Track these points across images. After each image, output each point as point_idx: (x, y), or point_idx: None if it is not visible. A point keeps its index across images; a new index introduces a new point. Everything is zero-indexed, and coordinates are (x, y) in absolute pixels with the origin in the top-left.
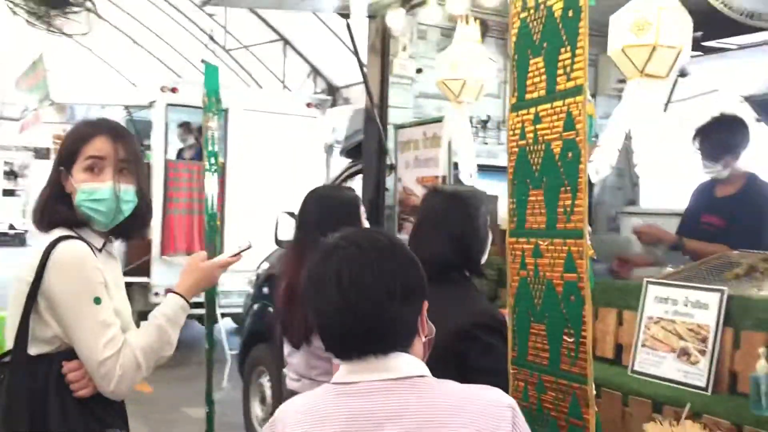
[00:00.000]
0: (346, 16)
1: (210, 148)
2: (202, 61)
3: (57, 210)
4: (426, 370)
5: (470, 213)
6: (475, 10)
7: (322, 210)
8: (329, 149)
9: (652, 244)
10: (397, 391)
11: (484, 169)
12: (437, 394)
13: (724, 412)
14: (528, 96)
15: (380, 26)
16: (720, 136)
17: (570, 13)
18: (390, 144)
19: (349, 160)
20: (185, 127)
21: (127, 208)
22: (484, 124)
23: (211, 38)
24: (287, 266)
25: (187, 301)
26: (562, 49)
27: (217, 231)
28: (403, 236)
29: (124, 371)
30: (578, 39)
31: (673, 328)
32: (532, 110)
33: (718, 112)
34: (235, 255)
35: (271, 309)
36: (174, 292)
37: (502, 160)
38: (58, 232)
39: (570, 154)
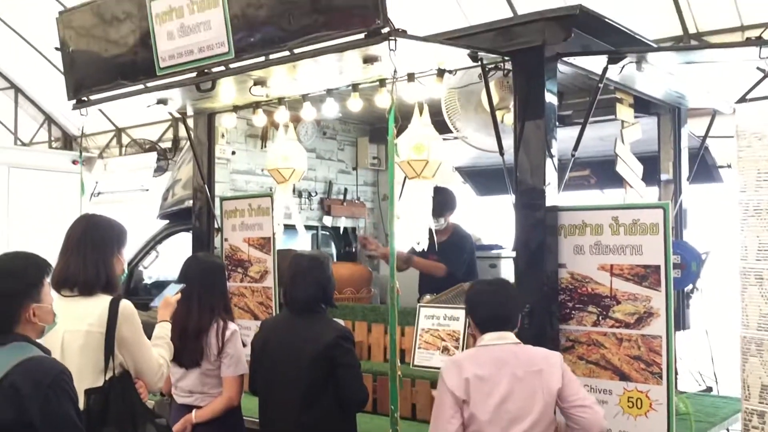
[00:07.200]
0: (182, 114)
1: None
2: None
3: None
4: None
5: (324, 269)
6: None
7: (203, 272)
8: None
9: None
10: (511, 348)
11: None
12: (528, 349)
13: None
14: None
15: (205, 121)
16: (437, 200)
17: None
18: (216, 211)
19: (166, 222)
20: None
21: None
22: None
23: None
24: (179, 312)
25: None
26: None
27: None
28: (231, 284)
29: (164, 373)
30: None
31: (437, 335)
32: None
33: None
34: (177, 293)
35: None
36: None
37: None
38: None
39: None
